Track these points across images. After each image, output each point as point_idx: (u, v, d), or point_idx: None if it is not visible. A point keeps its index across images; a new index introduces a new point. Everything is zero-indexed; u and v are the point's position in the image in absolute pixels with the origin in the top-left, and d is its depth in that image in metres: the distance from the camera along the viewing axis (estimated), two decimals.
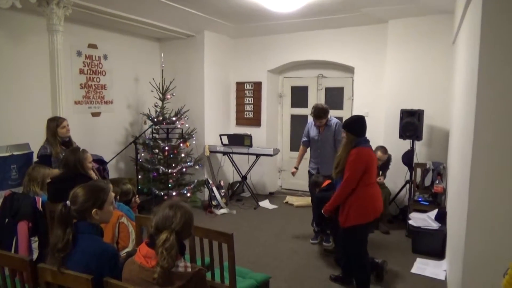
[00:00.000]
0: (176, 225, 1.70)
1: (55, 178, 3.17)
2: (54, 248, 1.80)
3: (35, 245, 3.02)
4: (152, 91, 5.87)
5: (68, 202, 1.88)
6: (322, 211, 3.30)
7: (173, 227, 1.70)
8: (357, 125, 3.17)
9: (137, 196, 3.50)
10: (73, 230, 1.84)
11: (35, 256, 2.96)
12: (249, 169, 6.33)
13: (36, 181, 3.10)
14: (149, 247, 1.73)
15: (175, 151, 5.70)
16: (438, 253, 4.07)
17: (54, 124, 3.78)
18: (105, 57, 5.57)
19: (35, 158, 3.95)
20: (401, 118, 4.87)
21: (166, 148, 5.53)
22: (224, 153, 6.36)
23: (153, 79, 5.87)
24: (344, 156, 3.12)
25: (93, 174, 3.33)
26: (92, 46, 5.38)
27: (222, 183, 6.15)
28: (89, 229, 1.90)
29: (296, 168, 4.73)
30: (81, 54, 5.24)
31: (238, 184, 6.59)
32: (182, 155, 5.82)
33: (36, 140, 3.97)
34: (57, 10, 4.01)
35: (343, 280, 3.52)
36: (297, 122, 6.73)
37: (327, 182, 4.23)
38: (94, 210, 1.93)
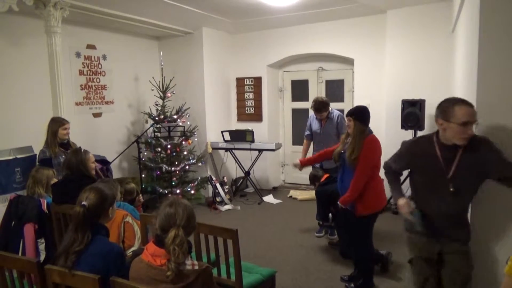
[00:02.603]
0: (181, 221, 1.73)
1: (59, 180, 3.19)
2: (69, 250, 1.81)
3: (42, 246, 3.04)
4: (153, 90, 5.86)
5: (85, 203, 1.90)
6: (339, 202, 3.23)
7: (178, 223, 1.72)
8: (367, 114, 3.18)
9: (140, 194, 3.52)
10: (90, 232, 1.87)
11: (42, 257, 2.99)
12: (252, 165, 6.34)
13: (40, 183, 3.12)
14: (157, 245, 1.74)
15: (178, 149, 5.71)
16: None
17: (57, 125, 3.79)
18: (104, 57, 5.57)
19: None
20: (403, 109, 4.86)
21: (169, 146, 5.54)
22: (226, 149, 6.36)
23: (153, 77, 5.86)
24: (360, 144, 3.05)
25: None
26: (90, 46, 5.38)
27: (225, 179, 6.17)
28: (100, 230, 1.94)
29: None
30: (80, 55, 5.23)
31: (241, 179, 6.60)
32: (185, 152, 5.82)
33: (38, 143, 3.97)
34: (54, 12, 4.01)
35: (358, 278, 3.37)
36: (299, 116, 6.73)
37: (325, 176, 4.24)
38: (110, 209, 2.01)
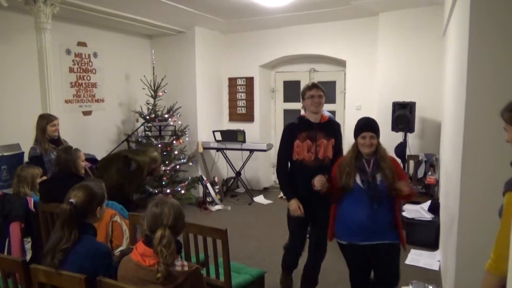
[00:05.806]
0: (168, 221, 1.70)
1: (47, 178, 3.15)
2: (56, 248, 1.79)
3: (28, 246, 3.00)
4: (144, 89, 5.82)
5: (73, 201, 1.87)
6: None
7: (165, 223, 1.69)
8: (356, 126, 2.64)
9: (161, 166, 3.48)
10: (78, 230, 1.84)
11: (28, 257, 2.94)
12: (243, 165, 6.33)
13: (25, 181, 3.07)
14: (146, 245, 1.72)
15: (168, 149, 5.68)
16: (431, 244, 4.10)
17: (45, 121, 3.73)
18: (95, 55, 5.52)
19: (25, 159, 3.91)
20: (393, 111, 4.88)
21: (159, 145, 5.51)
22: (217, 149, 6.34)
23: (144, 76, 5.82)
24: None
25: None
26: (81, 44, 5.32)
27: (216, 179, 6.15)
28: (88, 229, 1.91)
29: None
30: (70, 52, 5.17)
31: (232, 180, 6.58)
32: (176, 152, 5.79)
33: (26, 140, 3.93)
34: (44, 8, 3.95)
35: None
36: (290, 117, 6.71)
37: None
38: (98, 208, 1.98)
